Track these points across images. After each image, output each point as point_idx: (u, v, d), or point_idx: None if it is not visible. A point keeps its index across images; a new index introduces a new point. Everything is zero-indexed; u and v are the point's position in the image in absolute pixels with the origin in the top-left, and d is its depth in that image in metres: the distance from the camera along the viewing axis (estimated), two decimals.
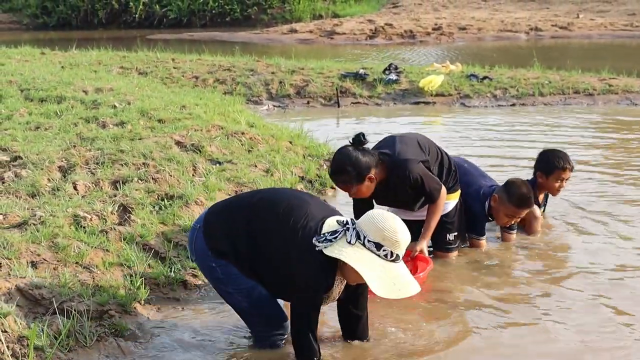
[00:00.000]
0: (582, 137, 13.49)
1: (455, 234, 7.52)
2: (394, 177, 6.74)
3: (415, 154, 6.95)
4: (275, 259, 5.34)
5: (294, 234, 5.25)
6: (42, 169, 7.89)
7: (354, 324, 5.73)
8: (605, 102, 17.51)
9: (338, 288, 5.40)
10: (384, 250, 5.05)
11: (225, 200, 6.01)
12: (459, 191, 7.53)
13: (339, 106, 17.31)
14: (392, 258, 5.07)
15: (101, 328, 5.59)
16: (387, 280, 5.06)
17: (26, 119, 10.38)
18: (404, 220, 5.27)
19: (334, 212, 5.49)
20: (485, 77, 18.56)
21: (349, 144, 6.55)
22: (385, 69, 18.85)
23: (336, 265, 5.19)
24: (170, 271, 6.58)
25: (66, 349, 5.21)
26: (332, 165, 6.59)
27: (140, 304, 6.11)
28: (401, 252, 5.13)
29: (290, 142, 10.99)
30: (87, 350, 5.34)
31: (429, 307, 6.42)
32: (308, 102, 17.62)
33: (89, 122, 10.25)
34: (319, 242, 5.11)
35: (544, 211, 8.62)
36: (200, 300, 6.43)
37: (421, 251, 7.04)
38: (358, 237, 5.08)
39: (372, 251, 5.05)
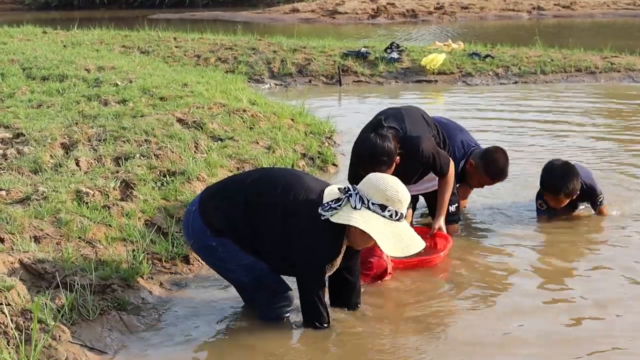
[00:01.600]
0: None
1: (456, 204, 7.53)
2: (404, 153, 6.73)
3: (424, 130, 6.97)
4: (278, 236, 5.36)
5: (297, 209, 5.29)
6: (44, 146, 7.90)
7: (348, 292, 5.78)
8: (607, 80, 17.50)
9: (341, 256, 5.45)
10: (388, 211, 5.13)
11: (218, 182, 6.01)
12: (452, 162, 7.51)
13: (340, 84, 17.31)
14: (397, 217, 5.16)
15: (104, 302, 5.61)
16: (396, 239, 5.16)
17: (28, 96, 10.39)
18: None
19: (327, 184, 5.55)
20: (487, 56, 18.56)
21: (371, 131, 6.53)
22: (387, 48, 18.85)
23: (343, 234, 5.26)
24: (173, 246, 6.60)
25: (69, 322, 5.23)
26: (365, 157, 6.43)
27: (143, 278, 6.13)
28: (404, 210, 5.21)
29: (292, 120, 11.01)
30: (90, 324, 5.36)
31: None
32: (310, 81, 17.62)
33: (91, 100, 10.26)
34: (324, 211, 5.16)
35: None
36: (202, 274, 6.44)
37: (439, 228, 7.07)
38: (362, 201, 5.14)
39: (377, 213, 5.13)
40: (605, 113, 13.88)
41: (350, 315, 5.74)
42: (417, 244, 5.27)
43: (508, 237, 7.48)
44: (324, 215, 5.16)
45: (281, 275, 5.63)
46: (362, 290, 5.92)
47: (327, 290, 5.68)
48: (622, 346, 5.29)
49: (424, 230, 7.02)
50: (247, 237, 5.42)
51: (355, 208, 5.14)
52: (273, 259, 5.48)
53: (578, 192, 7.57)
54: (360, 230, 5.14)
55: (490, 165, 7.53)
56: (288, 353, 5.32)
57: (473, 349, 5.27)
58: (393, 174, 7.02)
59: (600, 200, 7.82)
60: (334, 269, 5.46)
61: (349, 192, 5.19)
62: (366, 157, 6.43)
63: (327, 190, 5.34)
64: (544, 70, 17.98)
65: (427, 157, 6.83)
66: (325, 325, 5.47)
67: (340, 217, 5.15)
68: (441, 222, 7.10)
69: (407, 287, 6.35)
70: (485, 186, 7.97)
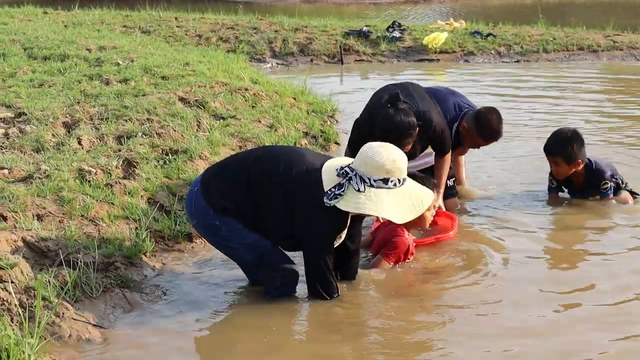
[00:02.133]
0: None
1: (453, 179, 7.53)
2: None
3: (433, 105, 7.01)
4: (281, 214, 5.38)
5: (300, 186, 5.32)
6: (46, 125, 7.89)
7: (348, 259, 5.82)
8: (610, 59, 17.46)
9: (347, 226, 5.48)
10: (391, 182, 5.19)
11: (219, 162, 6.02)
12: None
13: (342, 63, 17.30)
14: (401, 183, 5.23)
15: (107, 279, 5.62)
16: (406, 204, 5.24)
17: (30, 76, 10.36)
18: None
19: (329, 158, 5.59)
20: (489, 34, 18.52)
21: (390, 107, 6.54)
22: (389, 27, 18.82)
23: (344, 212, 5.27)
24: (175, 224, 6.60)
25: (73, 299, 5.24)
26: (392, 132, 6.41)
27: (146, 256, 6.14)
28: (406, 174, 5.27)
29: (294, 99, 10.99)
30: (94, 301, 5.37)
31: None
32: (312, 60, 17.60)
33: (92, 80, 10.23)
34: (329, 199, 5.17)
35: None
36: (205, 252, 6.44)
37: (439, 207, 7.07)
38: (364, 181, 5.16)
39: (382, 188, 5.17)
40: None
41: (356, 291, 5.75)
42: (426, 199, 5.36)
43: (516, 219, 7.41)
44: (329, 204, 5.17)
45: (285, 252, 5.65)
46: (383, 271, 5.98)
47: None
48: None
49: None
50: (250, 216, 5.43)
51: (359, 191, 5.15)
52: (276, 236, 5.49)
53: (580, 162, 7.49)
54: None
55: (484, 127, 7.45)
56: (294, 330, 5.35)
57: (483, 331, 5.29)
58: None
59: (606, 187, 7.59)
60: (342, 240, 5.47)
61: (349, 175, 5.20)
62: (395, 134, 6.42)
63: (325, 171, 5.34)
64: (546, 48, 17.95)
65: (438, 132, 6.92)
66: (335, 295, 5.51)
67: (348, 203, 5.18)
68: (440, 201, 7.11)
69: (421, 268, 6.33)
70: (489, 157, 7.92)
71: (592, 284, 5.96)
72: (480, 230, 7.17)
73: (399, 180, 5.21)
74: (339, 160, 5.53)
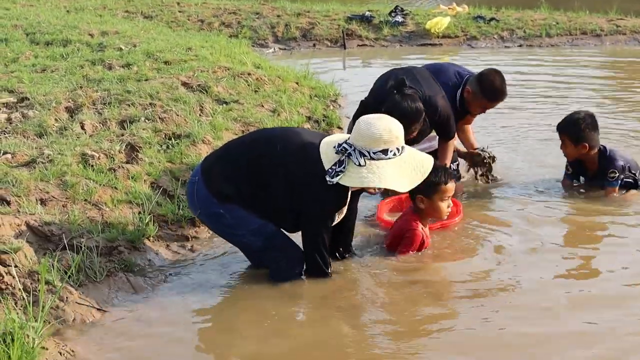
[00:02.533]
0: None
1: (457, 162, 7.53)
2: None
3: (438, 89, 7.02)
4: (281, 196, 5.40)
5: (300, 165, 5.35)
6: (49, 110, 7.88)
7: (345, 233, 5.90)
8: (613, 43, 17.43)
9: (348, 202, 5.53)
10: (391, 152, 5.23)
11: (217, 149, 6.00)
12: None
13: (345, 48, 17.27)
14: (400, 152, 5.27)
15: (111, 263, 5.63)
16: (408, 171, 5.31)
17: (32, 61, 10.37)
18: None
19: (325, 135, 5.61)
20: (492, 19, 18.48)
21: (395, 92, 6.56)
22: (392, 11, 18.77)
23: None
24: (179, 209, 6.60)
25: (76, 283, 5.25)
26: (399, 118, 6.40)
27: (149, 240, 6.14)
28: (404, 141, 5.33)
29: (297, 83, 10.98)
30: (97, 285, 5.38)
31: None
32: (314, 45, 17.58)
33: (95, 64, 10.23)
34: (331, 177, 5.19)
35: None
36: (209, 237, 6.45)
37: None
38: (363, 155, 5.19)
39: (382, 159, 5.21)
40: None
41: (358, 275, 5.77)
42: (426, 163, 5.42)
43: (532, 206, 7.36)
44: (331, 182, 5.19)
45: (289, 234, 5.68)
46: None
47: None
48: None
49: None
50: (252, 199, 5.44)
51: (360, 165, 5.17)
52: (278, 217, 5.53)
53: (586, 146, 7.39)
54: None
55: (487, 87, 7.40)
56: (299, 314, 5.35)
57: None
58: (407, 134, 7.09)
59: (614, 177, 7.42)
60: (342, 216, 5.51)
61: (348, 151, 5.21)
62: (401, 119, 6.41)
63: (323, 149, 5.36)
64: (549, 33, 17.90)
65: (443, 117, 6.94)
66: (329, 270, 5.58)
67: (351, 179, 5.21)
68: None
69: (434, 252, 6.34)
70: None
71: (604, 269, 5.97)
72: (488, 215, 7.16)
73: (397, 149, 5.25)
74: (336, 137, 5.55)
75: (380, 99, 6.68)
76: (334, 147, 5.31)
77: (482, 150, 7.82)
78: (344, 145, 5.27)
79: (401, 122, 6.00)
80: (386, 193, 7.19)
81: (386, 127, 5.23)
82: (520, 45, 17.45)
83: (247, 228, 5.52)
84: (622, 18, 18.92)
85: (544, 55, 16.28)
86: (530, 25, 18.19)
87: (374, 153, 5.19)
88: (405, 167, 5.30)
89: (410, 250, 6.10)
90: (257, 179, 5.43)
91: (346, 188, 5.32)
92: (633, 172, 7.53)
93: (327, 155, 5.31)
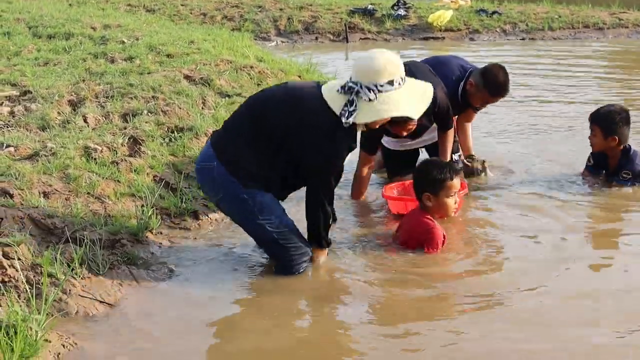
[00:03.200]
0: None
1: (459, 153, 7.53)
2: None
3: (437, 81, 7.01)
4: (295, 149, 5.36)
5: (306, 117, 5.33)
6: (51, 103, 7.90)
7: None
8: (616, 36, 17.41)
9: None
10: (396, 82, 5.27)
11: (217, 131, 5.83)
12: None
13: (347, 42, 17.28)
14: (404, 80, 5.34)
15: (114, 256, 5.62)
16: (418, 97, 5.43)
17: (35, 55, 10.39)
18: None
19: (319, 82, 5.62)
20: (494, 12, 18.49)
21: None
22: (394, 5, 18.79)
23: (355, 127, 5.36)
24: (181, 202, 6.60)
25: (79, 276, 5.24)
26: None
27: (152, 233, 6.14)
28: (403, 70, 5.38)
29: (299, 76, 10.97)
30: (100, 278, 5.37)
31: None
32: (316, 38, 17.58)
33: (97, 58, 10.25)
34: (346, 119, 5.23)
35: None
36: (211, 230, 6.45)
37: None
38: (372, 90, 5.23)
39: (390, 90, 5.25)
40: None
41: (363, 265, 5.78)
42: (428, 89, 5.55)
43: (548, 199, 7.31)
44: (348, 123, 5.23)
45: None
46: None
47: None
48: None
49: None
50: (257, 165, 5.42)
51: (371, 100, 5.23)
52: (287, 176, 5.52)
53: (615, 139, 7.38)
54: None
55: (491, 82, 7.38)
56: (303, 309, 5.36)
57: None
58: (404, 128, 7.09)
59: (627, 177, 7.40)
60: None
61: (355, 88, 5.25)
62: None
63: (326, 94, 5.36)
64: (552, 26, 17.91)
65: (443, 106, 6.93)
66: (329, 242, 5.70)
67: (367, 114, 5.28)
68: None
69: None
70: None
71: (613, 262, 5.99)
72: (493, 209, 7.14)
73: (401, 78, 5.31)
74: (332, 82, 5.55)
75: None
76: (337, 90, 5.32)
77: (469, 159, 7.81)
78: (349, 84, 5.28)
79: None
80: (389, 178, 7.26)
81: (387, 58, 5.28)
82: (522, 39, 17.47)
83: (267, 216, 5.49)
84: (624, 11, 18.94)
85: (546, 48, 16.26)
86: (533, 19, 18.20)
87: (381, 86, 5.22)
88: (413, 94, 5.39)
89: (437, 249, 6.04)
90: (262, 140, 5.40)
91: (355, 133, 5.40)
92: None
93: (334, 100, 5.31)
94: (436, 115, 7.00)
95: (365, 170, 7.18)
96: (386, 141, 7.54)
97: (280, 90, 5.64)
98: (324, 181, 5.47)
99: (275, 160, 5.42)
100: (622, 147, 7.50)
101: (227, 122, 5.74)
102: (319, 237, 5.68)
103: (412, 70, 6.93)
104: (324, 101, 5.33)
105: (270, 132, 5.40)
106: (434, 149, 7.34)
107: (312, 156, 5.36)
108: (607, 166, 7.68)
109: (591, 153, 7.76)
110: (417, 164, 7.04)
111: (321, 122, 5.29)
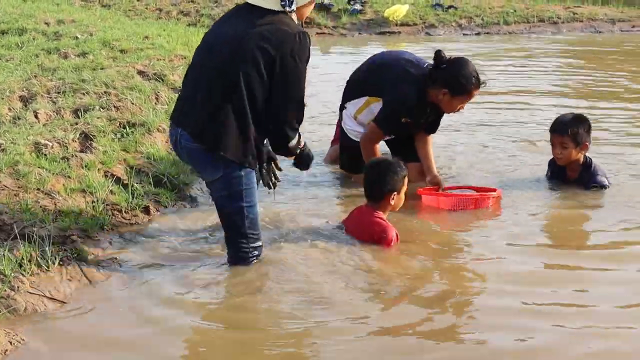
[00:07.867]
0: None
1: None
2: None
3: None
4: (255, 85, 5.29)
5: (255, 41, 5.27)
6: (2, 99, 7.85)
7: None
8: (570, 30, 17.57)
9: None
10: None
11: (179, 99, 5.73)
12: None
13: None
14: None
15: (63, 252, 5.58)
16: None
17: None
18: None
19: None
20: (450, 7, 18.60)
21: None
22: (350, 0, 18.78)
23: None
24: (133, 197, 6.57)
25: (28, 272, 5.22)
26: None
27: (103, 229, 6.10)
28: None
29: None
30: (50, 274, 5.33)
31: None
32: None
33: (50, 53, 10.20)
34: (289, 6, 5.36)
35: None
36: (163, 225, 6.42)
37: (438, 183, 7.20)
38: None
39: None
40: None
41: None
42: None
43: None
44: (292, 10, 5.39)
45: None
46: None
47: None
48: None
49: (435, 188, 7.14)
50: (234, 118, 5.29)
51: None
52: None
53: (586, 145, 7.23)
54: None
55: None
56: (251, 300, 5.33)
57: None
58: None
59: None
60: None
61: None
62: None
63: (255, 2, 5.36)
64: (507, 20, 18.04)
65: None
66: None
67: None
68: (439, 177, 7.24)
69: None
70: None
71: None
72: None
73: None
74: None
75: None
76: None
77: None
78: None
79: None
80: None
81: None
82: (477, 34, 17.55)
83: (249, 200, 5.46)
84: (578, 6, 19.14)
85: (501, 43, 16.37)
86: (488, 13, 18.33)
87: None
88: None
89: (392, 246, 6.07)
90: (223, 92, 5.27)
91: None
92: (607, 185, 7.33)
93: (266, 1, 5.33)
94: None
95: (376, 145, 7.30)
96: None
97: (211, 38, 5.53)
98: (298, 88, 5.49)
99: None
100: (583, 159, 7.32)
101: (186, 82, 5.61)
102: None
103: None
104: (262, 9, 5.33)
105: (235, 81, 5.25)
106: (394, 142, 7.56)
107: (292, 68, 5.41)
108: (565, 178, 7.48)
109: (550, 164, 7.60)
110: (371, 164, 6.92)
111: (283, 29, 5.31)
